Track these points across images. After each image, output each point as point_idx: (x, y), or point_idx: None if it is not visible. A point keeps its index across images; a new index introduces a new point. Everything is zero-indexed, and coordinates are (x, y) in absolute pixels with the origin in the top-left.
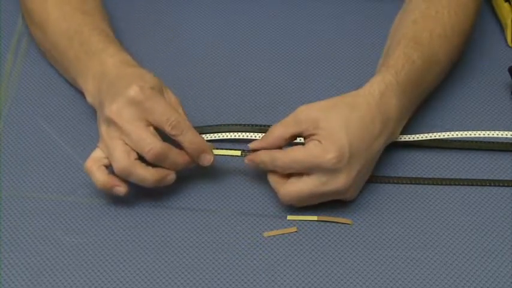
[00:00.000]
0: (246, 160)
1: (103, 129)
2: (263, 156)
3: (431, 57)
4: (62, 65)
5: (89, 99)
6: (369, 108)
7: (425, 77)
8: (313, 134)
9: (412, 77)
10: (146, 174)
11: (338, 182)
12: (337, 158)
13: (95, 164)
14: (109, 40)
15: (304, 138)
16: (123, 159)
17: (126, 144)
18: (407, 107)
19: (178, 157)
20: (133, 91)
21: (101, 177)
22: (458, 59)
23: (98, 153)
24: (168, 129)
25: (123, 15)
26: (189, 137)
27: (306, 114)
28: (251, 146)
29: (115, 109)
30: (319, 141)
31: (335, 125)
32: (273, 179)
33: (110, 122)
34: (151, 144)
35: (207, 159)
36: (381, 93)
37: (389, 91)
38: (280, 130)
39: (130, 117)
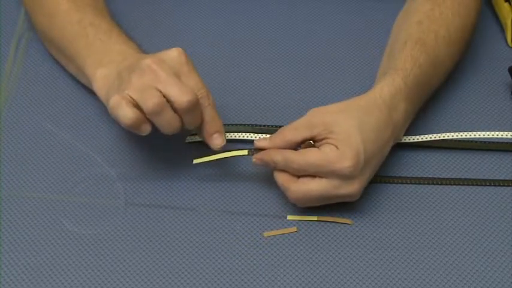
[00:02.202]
0: (253, 159)
1: (134, 78)
2: (275, 156)
3: (436, 60)
4: (67, 55)
5: (99, 83)
6: (381, 112)
7: (430, 80)
8: (326, 138)
9: (419, 80)
10: (174, 116)
11: (350, 188)
12: (354, 166)
13: (123, 99)
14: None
15: (315, 142)
16: (158, 96)
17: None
18: (412, 110)
19: (200, 115)
20: (177, 51)
21: (130, 112)
22: (460, 59)
23: (122, 93)
24: (199, 96)
25: (123, 15)
26: (212, 112)
27: (319, 118)
28: (257, 144)
29: (156, 59)
30: (336, 146)
31: (350, 129)
32: (281, 177)
33: (145, 71)
34: (190, 92)
35: (218, 140)
36: (392, 96)
37: (398, 95)
38: (291, 134)
39: (168, 69)
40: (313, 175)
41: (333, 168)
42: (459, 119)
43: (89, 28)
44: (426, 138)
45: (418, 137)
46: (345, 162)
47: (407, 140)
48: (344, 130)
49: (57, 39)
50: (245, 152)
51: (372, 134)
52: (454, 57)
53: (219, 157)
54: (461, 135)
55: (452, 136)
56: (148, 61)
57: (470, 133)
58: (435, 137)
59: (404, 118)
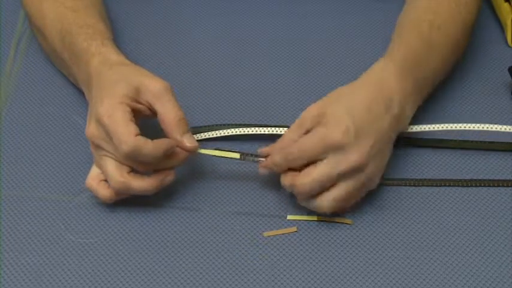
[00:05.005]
0: (260, 169)
1: (91, 148)
2: (275, 157)
3: (430, 42)
4: (62, 68)
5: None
6: (369, 90)
7: (425, 59)
8: (317, 126)
9: (409, 57)
10: (144, 185)
11: (351, 158)
12: (343, 133)
13: (94, 181)
14: (93, 37)
15: None
16: (116, 177)
17: (115, 159)
18: (411, 89)
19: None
20: (100, 112)
21: (104, 192)
22: (460, 53)
23: (95, 171)
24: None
25: (124, 16)
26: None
27: (309, 112)
28: (261, 151)
29: (90, 131)
30: (323, 124)
31: (337, 110)
32: (286, 178)
33: (91, 146)
34: (125, 144)
35: (190, 140)
36: (378, 76)
37: (386, 73)
38: (288, 137)
39: (99, 136)
40: (313, 163)
41: (324, 144)
42: (459, 118)
43: (66, 38)
44: (430, 128)
45: (422, 126)
46: (334, 132)
47: (414, 131)
48: (331, 112)
49: (51, 54)
50: (237, 156)
51: (362, 109)
52: (453, 45)
53: (209, 153)
54: (464, 127)
55: (456, 127)
56: (88, 134)
57: (470, 125)
58: (438, 127)
59: (401, 95)
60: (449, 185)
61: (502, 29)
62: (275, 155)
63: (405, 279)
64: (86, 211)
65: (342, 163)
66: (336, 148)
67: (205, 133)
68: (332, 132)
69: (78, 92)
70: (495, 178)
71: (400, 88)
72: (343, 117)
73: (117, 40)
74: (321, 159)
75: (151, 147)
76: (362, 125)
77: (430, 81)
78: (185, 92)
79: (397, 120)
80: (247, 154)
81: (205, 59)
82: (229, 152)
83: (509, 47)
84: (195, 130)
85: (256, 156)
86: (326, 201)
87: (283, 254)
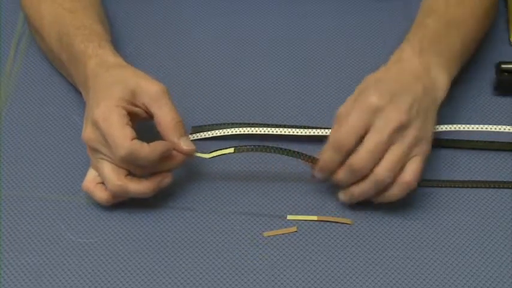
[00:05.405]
0: (314, 173)
1: (88, 151)
2: (323, 154)
3: (449, 19)
4: (61, 68)
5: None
6: (393, 71)
7: (445, 34)
8: None
9: (428, 35)
10: (141, 188)
11: (393, 118)
12: (378, 95)
13: (91, 184)
14: (90, 38)
15: None
16: (113, 180)
17: (112, 162)
18: (436, 62)
19: (149, 155)
20: (96, 115)
21: (101, 195)
22: (487, 24)
23: (91, 174)
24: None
25: (124, 16)
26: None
27: (345, 106)
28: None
29: (86, 134)
30: (358, 97)
31: (368, 86)
32: (339, 170)
33: (88, 149)
34: (122, 150)
35: (187, 142)
36: (398, 58)
37: (406, 54)
38: (336, 126)
39: (96, 139)
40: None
41: (364, 110)
42: (462, 115)
43: (64, 39)
44: (446, 129)
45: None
46: (369, 97)
47: None
48: (363, 89)
49: (49, 55)
50: (231, 150)
51: (389, 80)
52: (476, 14)
53: (206, 156)
54: (463, 128)
55: (455, 128)
56: (84, 137)
57: (471, 126)
58: (437, 128)
59: (425, 67)
60: (449, 187)
61: (506, 25)
62: (322, 152)
63: (405, 279)
64: (86, 211)
65: (387, 125)
66: (376, 112)
67: (206, 133)
68: (368, 98)
69: (78, 92)
70: (494, 179)
71: (424, 64)
72: (376, 87)
73: (117, 40)
74: (367, 133)
75: (147, 150)
76: (395, 90)
77: (457, 53)
78: (185, 92)
79: (430, 89)
80: (240, 146)
81: (205, 59)
82: (223, 150)
83: (510, 45)
84: (195, 130)
85: (249, 145)
86: (383, 170)
87: (283, 254)
